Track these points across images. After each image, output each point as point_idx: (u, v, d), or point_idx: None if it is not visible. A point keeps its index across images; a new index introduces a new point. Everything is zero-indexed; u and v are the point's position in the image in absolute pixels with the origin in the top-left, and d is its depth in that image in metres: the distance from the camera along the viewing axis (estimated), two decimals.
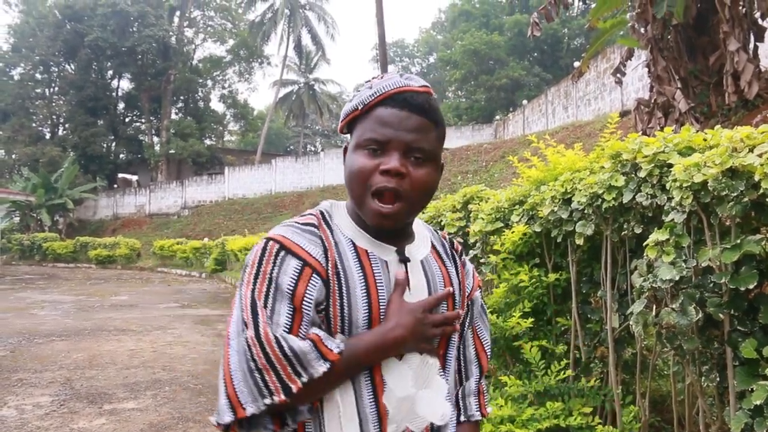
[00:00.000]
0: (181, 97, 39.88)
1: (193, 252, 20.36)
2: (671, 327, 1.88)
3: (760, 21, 6.83)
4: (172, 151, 34.55)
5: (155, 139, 37.00)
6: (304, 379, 0.87)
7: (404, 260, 1.02)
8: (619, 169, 2.37)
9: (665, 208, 2.04)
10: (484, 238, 3.44)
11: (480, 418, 1.13)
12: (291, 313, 0.90)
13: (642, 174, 2.18)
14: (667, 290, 1.91)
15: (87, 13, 33.63)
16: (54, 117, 36.95)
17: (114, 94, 38.85)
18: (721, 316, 1.85)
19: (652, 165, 2.15)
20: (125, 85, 39.20)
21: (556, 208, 2.73)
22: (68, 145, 34.08)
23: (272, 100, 40.97)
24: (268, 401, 0.86)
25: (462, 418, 1.11)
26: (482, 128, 29.89)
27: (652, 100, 7.52)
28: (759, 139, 1.78)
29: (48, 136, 36.39)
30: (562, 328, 3.05)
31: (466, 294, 1.13)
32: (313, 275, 0.92)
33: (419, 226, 1.12)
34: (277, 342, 0.87)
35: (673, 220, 1.95)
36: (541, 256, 3.08)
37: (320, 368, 0.88)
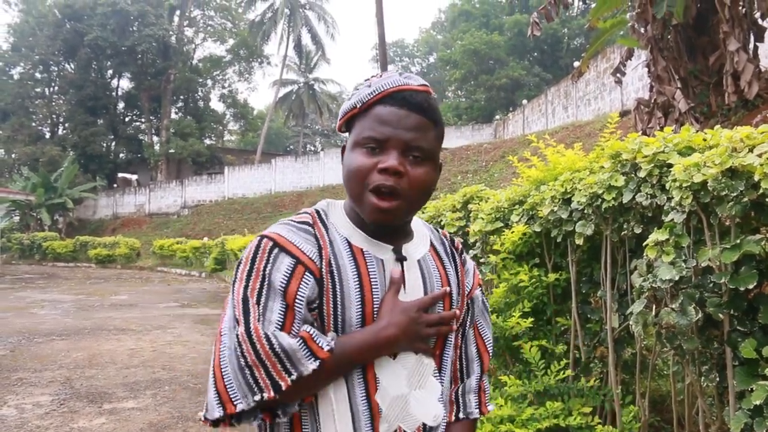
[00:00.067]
0: (181, 97, 39.89)
1: (192, 251, 20.35)
2: (671, 327, 1.88)
3: (760, 21, 6.83)
4: (171, 151, 34.56)
5: (155, 138, 37.01)
6: (294, 376, 0.87)
7: (401, 259, 1.01)
8: (618, 169, 2.37)
9: (665, 208, 2.04)
10: (483, 238, 3.44)
11: (478, 416, 1.12)
12: (283, 310, 0.90)
13: (642, 174, 2.18)
14: (666, 290, 1.91)
15: (87, 12, 33.64)
16: (54, 116, 36.96)
17: (114, 93, 38.86)
18: (720, 316, 1.85)
19: (652, 165, 2.14)
20: (125, 84, 39.32)
21: (555, 208, 2.73)
22: (68, 144, 34.09)
23: (272, 100, 40.98)
24: (257, 397, 0.87)
25: (461, 415, 1.10)
26: (482, 128, 29.89)
27: (652, 100, 7.52)
28: (759, 139, 1.78)
29: (48, 135, 36.41)
30: (562, 328, 3.05)
31: (466, 293, 1.12)
32: (306, 273, 0.92)
33: (419, 225, 1.11)
34: (267, 339, 0.87)
35: (672, 220, 1.95)
36: (540, 256, 3.08)
37: (310, 366, 0.88)
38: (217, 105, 43.06)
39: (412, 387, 0.98)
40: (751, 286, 1.71)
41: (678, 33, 7.20)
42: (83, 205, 32.17)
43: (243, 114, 43.69)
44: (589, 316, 2.81)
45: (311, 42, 41.21)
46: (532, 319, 2.86)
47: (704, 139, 2.07)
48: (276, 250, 0.93)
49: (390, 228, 1.01)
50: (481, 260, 3.44)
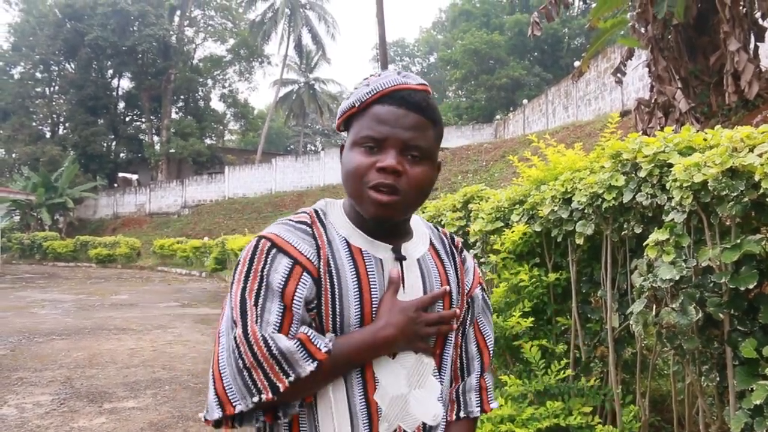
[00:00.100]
0: (182, 97, 39.89)
1: (193, 251, 20.36)
2: (671, 327, 1.88)
3: (760, 21, 6.83)
4: (172, 151, 34.57)
5: (155, 138, 37.03)
6: (291, 378, 0.87)
7: (400, 258, 1.01)
8: (619, 168, 2.37)
9: (665, 207, 2.04)
10: (484, 238, 3.44)
11: (479, 414, 1.11)
12: (281, 311, 0.90)
13: (642, 174, 2.18)
14: (667, 290, 1.91)
15: (87, 12, 33.65)
16: (54, 116, 36.98)
17: (114, 93, 38.87)
18: (721, 315, 1.85)
19: (653, 165, 2.14)
20: (125, 84, 39.31)
21: (556, 208, 2.73)
22: (68, 144, 34.11)
23: (272, 100, 41.00)
24: (256, 399, 0.87)
25: (461, 414, 1.09)
26: (482, 128, 29.89)
27: (653, 100, 7.53)
28: (759, 139, 1.78)
29: (48, 135, 36.42)
30: (562, 328, 3.05)
31: (466, 291, 1.12)
32: (304, 274, 0.92)
33: (419, 224, 1.11)
34: (265, 341, 0.87)
35: (673, 219, 1.95)
36: (541, 255, 3.08)
37: (308, 367, 0.88)
38: (217, 105, 43.15)
39: (411, 386, 0.98)
40: (751, 286, 1.71)
41: (678, 33, 7.20)
42: (84, 205, 32.19)
43: (243, 114, 43.69)
44: (589, 315, 2.81)
45: (312, 42, 41.26)
46: (533, 319, 2.86)
47: (705, 139, 2.07)
48: (274, 251, 0.93)
49: (389, 226, 1.00)
50: (482, 260, 3.44)
